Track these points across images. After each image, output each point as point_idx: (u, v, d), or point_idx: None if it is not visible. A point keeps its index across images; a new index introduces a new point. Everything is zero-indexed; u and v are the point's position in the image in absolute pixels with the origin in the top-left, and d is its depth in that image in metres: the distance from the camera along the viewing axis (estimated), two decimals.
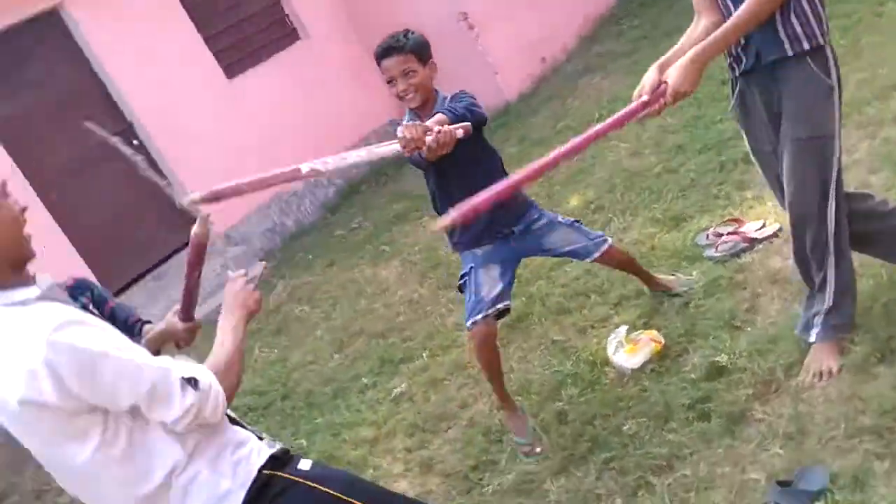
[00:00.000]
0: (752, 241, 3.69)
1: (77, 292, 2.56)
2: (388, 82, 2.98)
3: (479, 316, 3.08)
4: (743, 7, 2.39)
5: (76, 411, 1.67)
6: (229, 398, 1.84)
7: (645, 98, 2.45)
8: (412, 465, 3.44)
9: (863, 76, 4.56)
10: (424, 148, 2.58)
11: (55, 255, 6.84)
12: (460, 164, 2.90)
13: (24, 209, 1.82)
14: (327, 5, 8.66)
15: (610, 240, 3.35)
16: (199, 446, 1.80)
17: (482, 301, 3.08)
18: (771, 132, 2.63)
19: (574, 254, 3.32)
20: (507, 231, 3.14)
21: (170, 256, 7.50)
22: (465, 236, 3.15)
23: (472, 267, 3.15)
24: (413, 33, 3.00)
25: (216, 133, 7.67)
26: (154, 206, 7.41)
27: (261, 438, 1.98)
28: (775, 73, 2.53)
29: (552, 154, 2.33)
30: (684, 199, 4.40)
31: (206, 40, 7.87)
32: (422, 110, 2.98)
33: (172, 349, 2.45)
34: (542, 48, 8.29)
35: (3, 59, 7.02)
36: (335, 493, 1.89)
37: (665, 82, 2.42)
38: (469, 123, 2.75)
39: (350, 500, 1.89)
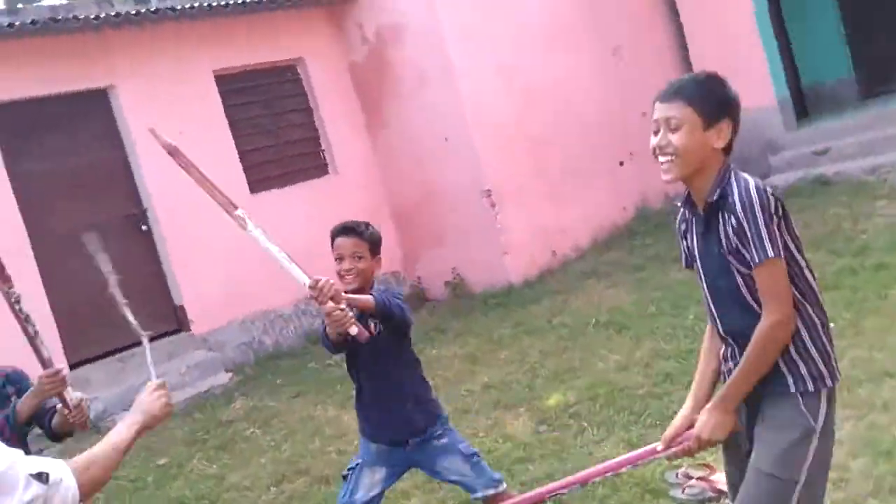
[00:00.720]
0: (720, 493, 3.61)
1: (7, 381, 2.95)
2: (337, 259, 3.04)
3: None
4: (750, 349, 2.20)
5: None
6: (88, 492, 1.83)
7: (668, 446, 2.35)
8: None
9: (860, 354, 4.61)
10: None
11: (32, 313, 6.75)
12: (369, 365, 3.02)
13: None
14: (362, 151, 8.99)
15: (503, 486, 3.15)
16: None
17: (354, 502, 3.08)
18: (748, 432, 2.35)
19: (461, 485, 3.18)
20: (405, 440, 3.09)
21: (137, 344, 7.37)
22: (367, 427, 3.16)
23: (359, 463, 3.14)
24: (372, 227, 3.11)
25: (222, 240, 7.72)
26: (139, 294, 7.37)
27: None
28: (763, 390, 2.29)
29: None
30: (662, 430, 4.34)
31: (240, 153, 8.11)
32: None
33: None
34: (555, 241, 8.50)
35: (43, 121, 7.22)
36: None
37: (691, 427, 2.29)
38: (366, 333, 2.78)
39: None
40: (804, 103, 10.59)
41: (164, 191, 7.54)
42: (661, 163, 2.23)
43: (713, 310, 2.35)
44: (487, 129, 8.31)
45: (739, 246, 2.18)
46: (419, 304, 8.71)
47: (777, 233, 2.15)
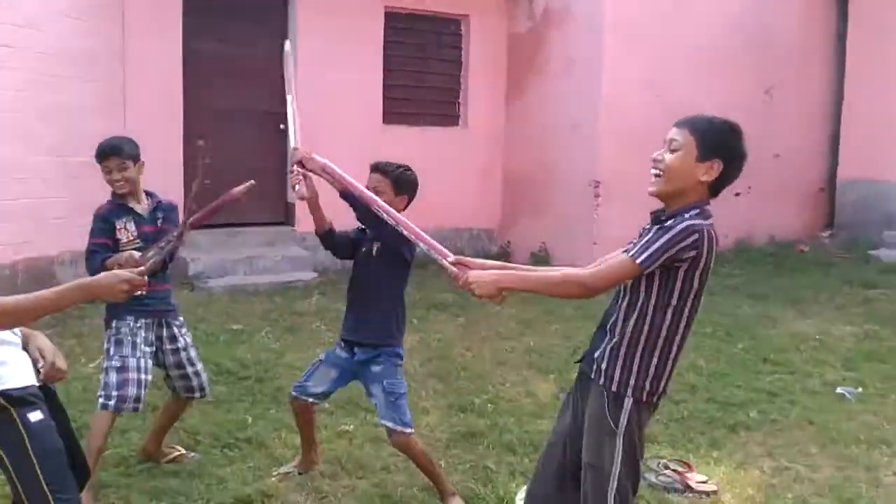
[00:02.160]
0: (688, 488, 3.94)
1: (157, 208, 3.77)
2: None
3: (297, 395, 3.73)
4: (555, 273, 2.57)
5: None
6: None
7: (453, 261, 2.58)
8: None
9: (869, 420, 4.75)
10: None
11: (170, 173, 7.55)
12: (362, 272, 3.65)
13: None
14: (495, 115, 9.54)
15: (409, 431, 3.55)
16: None
17: (305, 387, 3.71)
18: (575, 430, 2.61)
19: (379, 413, 3.63)
20: (352, 346, 3.61)
21: (247, 225, 8.21)
22: (343, 327, 3.72)
23: (321, 359, 3.74)
24: (405, 171, 3.74)
25: (348, 161, 8.36)
26: (264, 180, 8.12)
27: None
28: (589, 385, 2.56)
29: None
30: (670, 434, 4.57)
31: (385, 86, 8.74)
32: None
33: None
34: None
35: (226, 8, 8.08)
36: (35, 466, 2.24)
37: (473, 270, 2.52)
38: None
39: (41, 479, 2.24)
40: None
41: (307, 100, 8.20)
42: (652, 175, 2.49)
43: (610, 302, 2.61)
44: (616, 126, 8.61)
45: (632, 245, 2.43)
46: None
47: (660, 257, 2.35)
